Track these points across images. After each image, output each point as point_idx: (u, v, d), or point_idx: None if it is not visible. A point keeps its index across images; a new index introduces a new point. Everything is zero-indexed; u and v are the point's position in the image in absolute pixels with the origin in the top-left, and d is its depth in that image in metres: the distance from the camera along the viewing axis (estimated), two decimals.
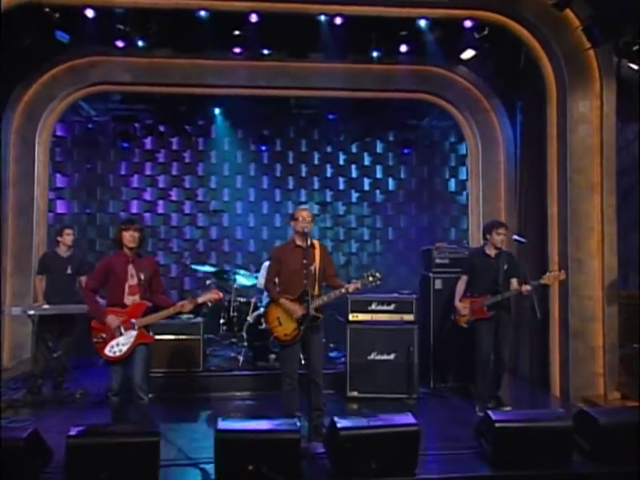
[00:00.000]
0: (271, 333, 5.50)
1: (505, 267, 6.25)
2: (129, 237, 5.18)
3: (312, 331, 5.29)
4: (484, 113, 8.67)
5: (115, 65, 8.38)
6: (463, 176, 10.76)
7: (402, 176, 10.88)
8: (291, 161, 10.72)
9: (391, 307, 6.98)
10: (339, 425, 4.75)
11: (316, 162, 10.75)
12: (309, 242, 5.34)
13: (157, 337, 5.94)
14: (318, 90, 8.68)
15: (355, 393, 6.85)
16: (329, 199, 10.74)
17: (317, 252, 5.45)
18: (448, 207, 10.82)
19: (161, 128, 10.34)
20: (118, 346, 5.17)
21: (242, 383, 7.09)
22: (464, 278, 6.51)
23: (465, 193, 10.66)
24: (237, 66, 8.39)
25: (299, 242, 5.45)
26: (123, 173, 10.47)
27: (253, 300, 7.94)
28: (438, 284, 7.34)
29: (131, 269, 5.24)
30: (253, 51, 8.01)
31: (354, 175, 10.80)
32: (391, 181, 10.85)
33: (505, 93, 8.37)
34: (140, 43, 7.58)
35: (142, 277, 5.24)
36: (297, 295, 5.37)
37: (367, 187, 10.80)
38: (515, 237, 6.28)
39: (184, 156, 10.58)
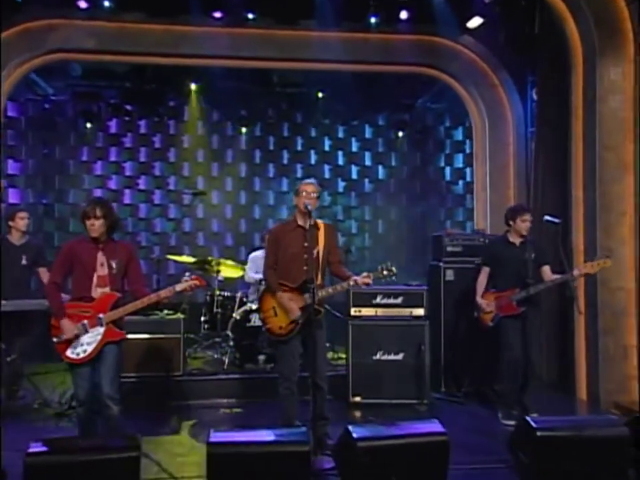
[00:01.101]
0: (263, 324, 5.02)
1: (532, 255, 5.67)
2: (90, 227, 4.57)
3: (313, 326, 4.78)
4: (491, 89, 8.19)
5: (76, 29, 7.62)
6: (459, 164, 10.43)
7: (393, 163, 10.43)
8: (271, 147, 10.23)
9: (399, 300, 6.47)
10: (355, 435, 4.12)
11: (299, 148, 10.28)
12: (311, 221, 4.87)
13: (130, 336, 5.42)
14: (307, 62, 8.07)
15: (358, 399, 6.35)
16: None
17: (322, 234, 4.98)
18: (443, 197, 10.43)
19: (128, 108, 9.68)
20: (82, 346, 4.54)
21: (228, 389, 6.59)
22: (485, 270, 5.97)
23: (461, 182, 10.37)
24: (217, 33, 7.76)
25: (300, 221, 4.97)
26: (84, 158, 9.84)
27: (239, 294, 7.40)
28: (449, 275, 6.85)
29: (100, 256, 4.60)
30: (235, 16, 7.51)
31: (340, 162, 10.34)
32: (380, 168, 10.41)
33: (515, 66, 7.93)
34: (106, 4, 7.05)
35: (114, 265, 4.60)
36: (297, 284, 4.89)
37: (354, 176, 10.36)
38: (548, 217, 5.70)
39: (153, 140, 10.01)
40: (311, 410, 4.92)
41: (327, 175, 10.27)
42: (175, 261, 8.53)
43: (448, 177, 10.48)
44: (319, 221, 5.03)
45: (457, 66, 8.20)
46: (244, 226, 10.11)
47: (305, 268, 4.83)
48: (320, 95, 9.40)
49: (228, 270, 7.71)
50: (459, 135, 10.35)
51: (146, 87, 9.12)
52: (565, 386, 6.84)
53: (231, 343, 7.08)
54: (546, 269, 5.79)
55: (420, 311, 6.47)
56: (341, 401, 6.29)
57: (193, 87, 9.45)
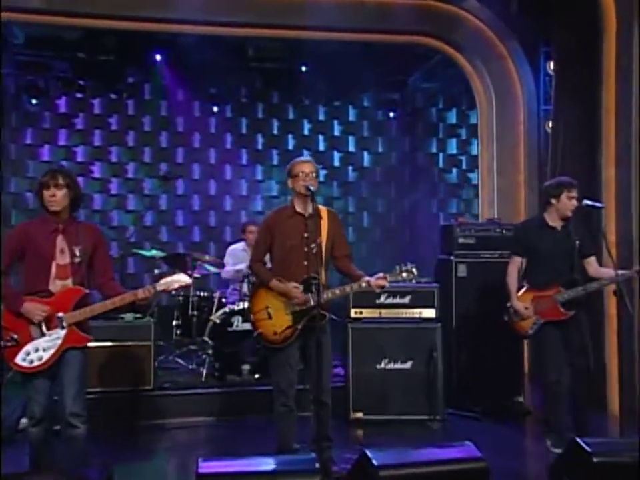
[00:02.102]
0: (254, 328, 4.64)
1: (577, 243, 5.07)
2: (49, 198, 4.07)
3: (316, 333, 4.34)
4: (499, 61, 7.74)
5: None
6: (452, 150, 10.17)
7: (379, 149, 10.14)
8: (244, 130, 9.85)
9: (406, 300, 6.12)
10: (375, 462, 3.61)
11: (275, 131, 9.92)
12: (313, 207, 4.49)
13: (92, 344, 4.66)
14: (291, 29, 7.48)
15: (360, 415, 5.97)
16: None
17: (325, 223, 4.60)
18: (435, 187, 10.13)
19: (81, 83, 9.08)
20: (37, 352, 4.05)
21: (207, 405, 6.19)
22: (516, 261, 5.32)
23: (455, 170, 10.11)
24: None
25: (299, 207, 4.59)
26: (28, 142, 9.31)
27: (217, 294, 7.01)
28: (461, 270, 6.42)
29: (60, 241, 4.11)
30: None
31: (321, 147, 10.01)
32: (366, 155, 10.12)
33: (526, 35, 7.54)
34: None
35: (77, 252, 4.11)
36: (297, 282, 4.52)
37: (336, 163, 10.06)
38: (588, 201, 5.07)
39: (109, 122, 9.54)
40: (312, 430, 4.57)
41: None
42: (144, 257, 8.00)
43: (441, 164, 10.20)
44: (322, 207, 4.64)
45: (460, 35, 7.78)
46: (213, 219, 9.70)
47: (305, 263, 4.49)
48: (303, 69, 8.95)
49: (207, 266, 7.37)
50: (452, 117, 10.09)
51: (102, 58, 8.49)
52: (591, 399, 6.12)
53: (210, 351, 6.75)
54: (592, 261, 5.18)
55: (431, 312, 6.12)
56: (339, 418, 5.74)
57: (158, 58, 8.82)
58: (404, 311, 6.11)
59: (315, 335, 4.32)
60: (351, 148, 10.01)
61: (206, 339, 6.76)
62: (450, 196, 10.08)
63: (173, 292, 4.57)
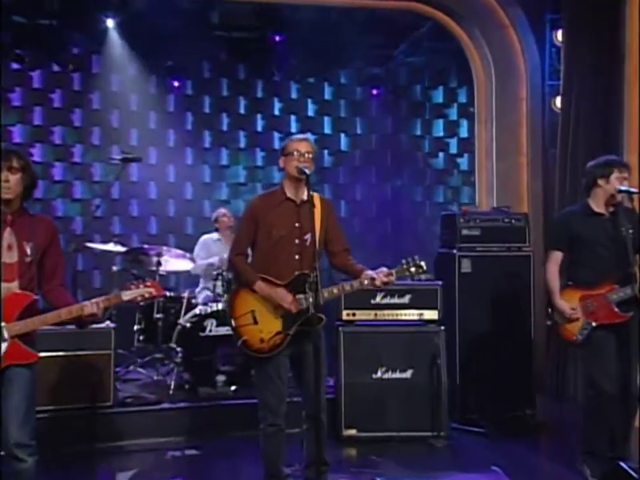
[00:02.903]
0: (237, 335, 4.42)
1: (630, 231, 4.75)
2: (3, 184, 3.78)
3: (309, 340, 4.26)
4: (500, 30, 7.67)
5: None
6: (439, 132, 9.99)
7: (358, 131, 9.88)
8: (207, 109, 9.52)
9: (406, 300, 6.00)
10: None
11: (242, 110, 9.60)
12: (307, 193, 4.29)
13: (42, 353, 4.55)
14: None
15: (353, 432, 5.85)
16: (259, 162, 9.62)
17: (318, 211, 4.45)
18: (420, 173, 9.92)
19: (18, 53, 8.64)
20: None
21: (176, 423, 6.02)
22: (556, 256, 4.97)
23: (441, 154, 9.95)
24: None
25: (290, 193, 4.44)
26: None
27: (186, 294, 6.83)
28: (466, 265, 6.33)
29: (8, 235, 3.80)
30: None
31: (293, 128, 9.67)
32: (343, 137, 9.85)
33: (531, 1, 7.50)
34: None
35: (28, 250, 3.84)
36: (286, 280, 4.35)
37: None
38: (621, 187, 4.78)
39: (52, 98, 9.07)
40: (305, 451, 4.48)
41: (276, 145, 9.50)
42: (97, 252, 7.69)
43: (426, 148, 10.03)
44: (315, 194, 4.46)
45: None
46: (172, 208, 9.34)
47: (296, 258, 4.34)
48: (277, 39, 8.70)
49: (174, 262, 7.13)
50: (439, 96, 9.90)
51: (43, 23, 8.14)
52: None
53: (178, 360, 6.59)
54: None
55: (433, 314, 5.99)
56: (328, 436, 5.30)
57: (110, 23, 8.44)
58: (403, 312, 5.99)
59: (310, 341, 4.19)
60: (327, 129, 9.79)
61: (173, 345, 6.65)
62: (436, 183, 9.93)
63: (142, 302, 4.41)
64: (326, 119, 9.80)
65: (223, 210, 7.19)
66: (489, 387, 6.22)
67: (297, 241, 4.32)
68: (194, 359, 6.52)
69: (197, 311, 6.59)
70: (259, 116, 9.60)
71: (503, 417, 6.14)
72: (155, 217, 9.29)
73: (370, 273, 4.29)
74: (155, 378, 6.79)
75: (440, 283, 6.01)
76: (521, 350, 6.15)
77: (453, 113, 9.81)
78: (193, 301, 6.90)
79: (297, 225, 4.35)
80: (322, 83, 9.75)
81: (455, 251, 6.35)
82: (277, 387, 4.33)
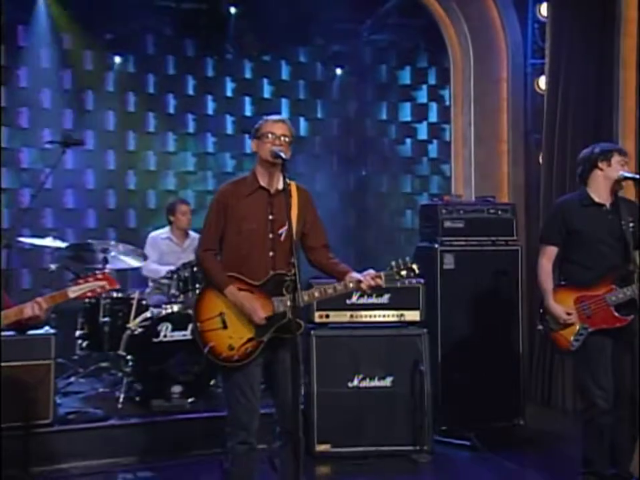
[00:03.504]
0: (202, 341, 4.29)
1: (631, 225, 4.65)
2: None
3: (284, 347, 4.21)
4: (479, 3, 7.74)
5: None
6: (406, 116, 9.93)
7: (318, 115, 9.76)
8: (151, 89, 9.27)
9: (385, 299, 5.93)
10: None
11: (190, 91, 9.38)
12: (282, 182, 4.22)
13: None
14: None
15: (327, 447, 5.75)
16: (210, 149, 9.45)
17: (295, 202, 4.36)
18: (385, 161, 9.85)
19: None
20: None
21: (126, 442, 5.84)
22: (549, 252, 4.83)
23: (409, 141, 9.89)
24: None
25: (263, 180, 4.34)
26: None
27: (136, 295, 6.66)
28: (448, 261, 6.27)
29: None
30: None
31: (248, 112, 9.53)
32: (302, 122, 9.69)
33: None
34: None
35: None
36: (259, 280, 4.24)
37: None
38: (625, 173, 4.67)
39: None
40: (279, 474, 4.38)
41: (229, 130, 9.46)
42: (31, 247, 7.49)
43: (393, 134, 9.96)
44: (292, 183, 4.39)
45: None
46: (113, 200, 9.10)
47: (270, 254, 4.25)
48: (232, 11, 8.52)
49: (124, 258, 6.91)
50: (406, 77, 9.83)
51: None
52: None
53: (127, 369, 6.45)
54: None
55: (415, 314, 5.93)
56: None
57: None
58: (381, 313, 5.92)
59: (285, 349, 4.13)
60: (284, 113, 9.54)
61: (122, 353, 6.50)
62: (403, 172, 9.87)
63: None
64: (283, 101, 9.67)
65: (184, 206, 7.07)
66: (474, 395, 6.16)
67: (270, 236, 4.22)
68: (146, 367, 6.41)
69: (148, 313, 6.46)
70: (209, 97, 9.42)
71: (490, 428, 6.10)
72: (93, 209, 9.06)
73: (356, 275, 4.22)
74: (101, 390, 6.69)
75: (422, 280, 5.88)
76: (508, 354, 6.11)
77: (421, 96, 9.76)
78: (144, 302, 6.78)
79: (270, 217, 4.24)
80: (279, 61, 9.63)
81: (436, 246, 6.29)
82: (248, 401, 4.20)
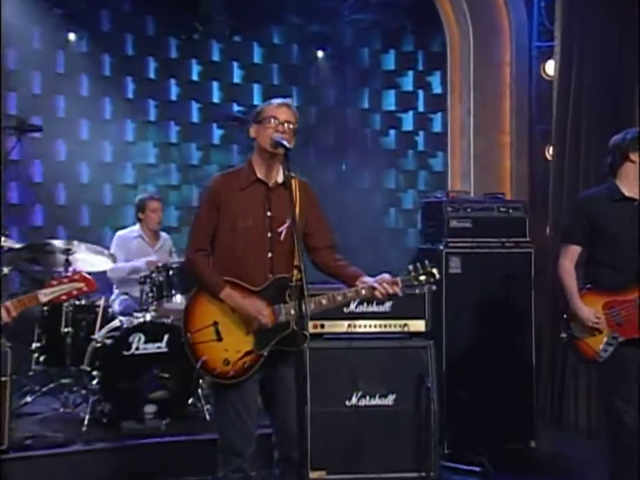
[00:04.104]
0: (194, 354, 4.23)
1: None
2: None
3: (286, 362, 4.19)
4: None
5: None
6: (390, 105, 9.80)
7: (294, 103, 9.14)
8: (107, 71, 9.10)
9: (386, 307, 5.85)
10: None
11: (152, 75, 9.22)
12: (282, 175, 4.26)
13: None
14: None
15: (322, 474, 5.59)
16: (174, 139, 9.32)
17: (296, 198, 4.29)
18: (367, 154, 9.75)
19: None
20: None
21: (92, 470, 5.71)
22: (571, 252, 4.86)
23: (393, 132, 9.77)
24: None
25: (260, 172, 4.28)
26: None
27: (102, 302, 6.67)
28: (455, 265, 6.28)
29: None
30: None
31: (216, 98, 9.42)
32: None
33: None
34: None
35: None
36: (258, 286, 4.18)
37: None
38: None
39: None
40: None
41: (194, 118, 9.33)
42: None
43: (377, 125, 9.88)
44: (292, 175, 4.30)
45: None
46: (62, 195, 8.90)
47: (269, 256, 4.19)
48: None
49: (89, 258, 6.75)
50: (390, 62, 9.72)
51: None
52: None
53: (93, 387, 6.34)
54: None
55: (420, 324, 5.85)
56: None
57: None
58: (383, 322, 5.83)
59: (286, 364, 4.09)
60: (256, 99, 9.44)
61: (87, 368, 6.38)
62: (387, 166, 9.77)
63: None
64: (255, 86, 9.52)
65: (154, 203, 6.96)
66: (481, 413, 6.15)
67: (269, 235, 4.14)
68: (115, 384, 6.29)
69: (117, 323, 6.36)
70: (172, 82, 9.26)
71: (501, 450, 6.08)
72: (41, 205, 8.89)
73: (369, 280, 4.15)
74: (62, 411, 6.56)
75: (429, 286, 5.58)
76: (519, 367, 6.10)
77: (407, 83, 9.66)
78: (111, 310, 6.71)
79: (268, 213, 4.16)
80: (251, 42, 9.50)
81: (441, 247, 6.27)
82: (243, 423, 4.13)
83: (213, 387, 4.36)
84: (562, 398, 6.80)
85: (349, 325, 5.77)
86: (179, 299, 6.23)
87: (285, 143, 4.02)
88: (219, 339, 4.14)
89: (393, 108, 9.79)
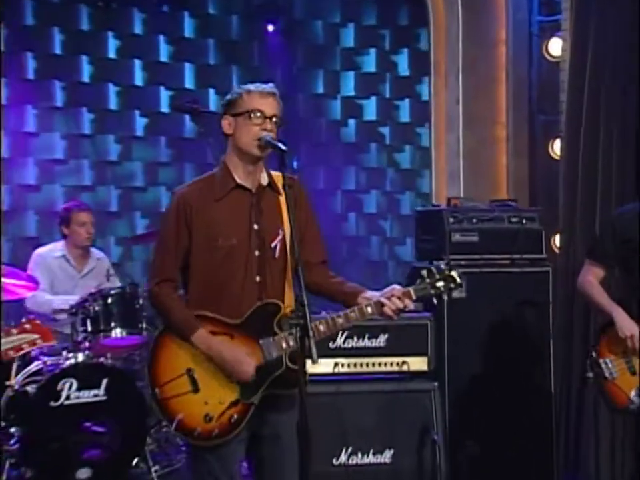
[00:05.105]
0: (166, 413, 4.15)
1: None
2: None
3: (278, 411, 4.14)
4: None
5: None
6: (350, 90, 9.73)
7: (234, 86, 9.14)
8: (1, 46, 8.76)
9: (381, 342, 5.90)
10: None
11: (57, 50, 8.92)
12: (265, 177, 4.28)
13: None
14: None
15: None
16: (86, 129, 9.06)
17: (283, 203, 4.25)
18: (323, 148, 9.69)
19: None
20: None
21: None
22: (597, 273, 5.08)
23: (352, 122, 9.70)
24: None
25: (240, 177, 4.25)
26: None
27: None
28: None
29: None
30: None
31: (138, 80, 9.18)
32: (212, 95, 9.43)
33: None
34: None
35: None
36: (241, 317, 4.12)
37: (164, 108, 9.28)
38: None
39: None
40: None
41: (112, 104, 9.08)
42: None
43: (333, 113, 9.78)
44: (276, 174, 4.27)
45: None
46: None
47: (257, 279, 4.15)
48: None
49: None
50: (349, 39, 9.65)
51: None
52: None
53: (10, 447, 6.18)
54: None
55: (421, 362, 5.94)
56: None
57: None
58: (377, 360, 5.86)
59: (283, 413, 4.07)
60: (188, 82, 9.32)
61: (1, 423, 6.15)
62: (346, 163, 9.69)
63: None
64: (187, 66, 9.30)
65: (83, 215, 6.89)
66: (494, 467, 6.16)
67: (256, 253, 4.07)
68: (39, 443, 6.10)
69: (39, 365, 6.23)
70: (84, 58, 8.96)
71: None
72: None
73: (373, 294, 4.10)
74: None
75: (429, 314, 5.87)
76: (538, 412, 6.10)
77: (369, 63, 9.58)
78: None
79: (255, 226, 4.09)
80: (180, 12, 9.31)
81: (442, 266, 5.89)
82: None
83: (191, 451, 4.25)
84: (578, 442, 6.82)
85: (336, 364, 5.72)
86: (119, 332, 6.11)
87: (280, 145, 3.94)
88: (196, 390, 4.03)
89: (352, 93, 9.72)
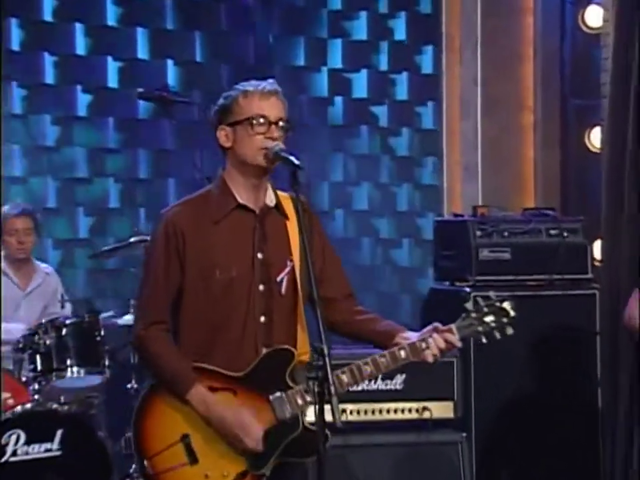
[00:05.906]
0: None
1: None
2: None
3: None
4: None
5: None
6: (337, 62, 9.71)
7: (196, 58, 9.48)
8: None
9: (397, 384, 5.99)
10: None
11: (16, 47, 8.96)
12: (272, 196, 4.35)
13: None
14: None
15: None
16: (17, 109, 9.05)
17: (293, 226, 4.33)
18: (305, 132, 9.42)
19: None
20: None
21: None
22: None
23: (339, 100, 9.69)
24: None
25: (242, 196, 4.30)
26: None
27: None
28: None
29: None
30: None
31: (80, 49, 9.09)
32: (170, 67, 9.39)
33: None
34: None
35: None
36: (244, 370, 4.15)
37: (112, 83, 9.25)
38: None
39: None
40: None
41: (48, 78, 9.01)
42: None
43: (317, 90, 9.72)
44: (283, 194, 4.36)
45: None
46: None
47: (262, 320, 4.18)
48: None
49: None
50: (336, 0, 9.64)
51: None
52: None
53: None
54: None
55: (446, 408, 6.01)
56: None
57: None
58: (394, 406, 5.91)
59: None
60: (142, 51, 9.27)
61: None
62: (333, 149, 9.67)
63: None
64: (139, 31, 9.24)
65: (19, 221, 6.96)
66: None
67: (260, 287, 4.11)
68: None
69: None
70: (12, 22, 8.85)
71: None
72: None
73: (412, 335, 4.14)
74: None
75: (454, 350, 5.65)
76: (583, 465, 6.14)
77: (359, 30, 9.56)
78: None
79: (259, 255, 4.14)
80: None
81: (467, 289, 6.29)
82: None
83: None
84: None
85: (343, 411, 5.68)
86: (75, 371, 5.96)
87: (292, 159, 3.86)
88: (194, 461, 4.00)
89: (339, 66, 9.67)
